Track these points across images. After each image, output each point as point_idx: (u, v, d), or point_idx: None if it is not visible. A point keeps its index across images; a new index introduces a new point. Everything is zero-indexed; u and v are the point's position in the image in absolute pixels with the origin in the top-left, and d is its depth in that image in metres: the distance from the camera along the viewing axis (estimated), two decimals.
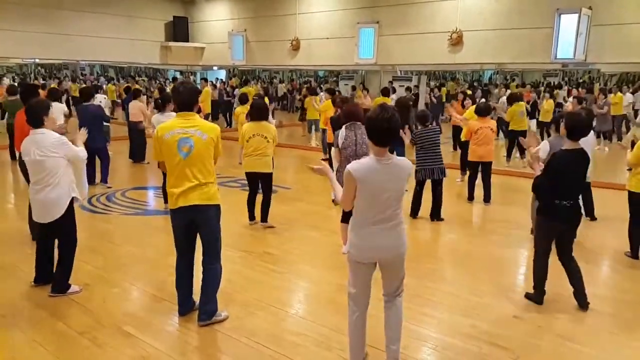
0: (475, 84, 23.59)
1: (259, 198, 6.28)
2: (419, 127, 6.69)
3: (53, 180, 4.09)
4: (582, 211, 4.62)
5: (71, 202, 4.22)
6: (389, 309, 3.18)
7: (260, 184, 6.23)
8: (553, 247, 4.29)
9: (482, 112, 7.60)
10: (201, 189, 3.60)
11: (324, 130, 10.84)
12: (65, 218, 4.17)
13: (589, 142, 4.94)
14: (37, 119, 4.10)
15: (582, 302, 4.19)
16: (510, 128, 10.38)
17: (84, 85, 11.46)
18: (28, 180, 5.23)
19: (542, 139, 12.56)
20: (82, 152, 4.31)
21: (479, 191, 7.69)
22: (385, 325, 3.19)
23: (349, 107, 5.50)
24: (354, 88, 18.32)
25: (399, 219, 3.03)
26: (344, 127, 5.20)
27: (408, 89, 15.64)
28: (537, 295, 4.31)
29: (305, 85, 20.59)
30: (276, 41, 15.57)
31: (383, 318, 3.19)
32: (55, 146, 4.08)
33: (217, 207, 3.73)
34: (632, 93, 14.68)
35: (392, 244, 3.02)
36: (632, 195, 5.36)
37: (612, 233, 6.21)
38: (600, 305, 4.28)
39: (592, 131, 5.21)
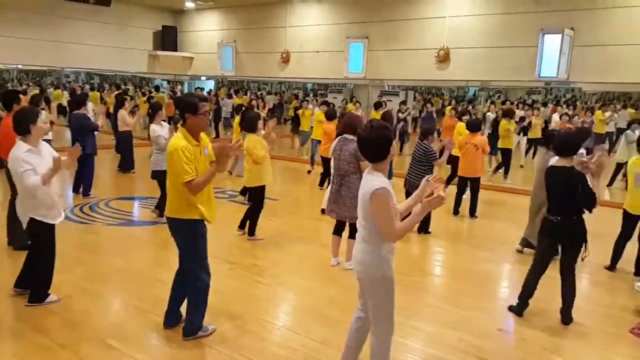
0: (462, 102, 23.87)
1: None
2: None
3: (17, 193, 4.06)
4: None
5: (35, 222, 4.00)
6: None
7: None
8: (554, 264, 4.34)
9: (472, 127, 7.68)
10: (169, 201, 3.58)
11: (318, 142, 10.26)
12: (30, 235, 4.07)
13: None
14: (23, 127, 3.95)
15: (565, 319, 4.26)
16: (500, 145, 10.30)
17: (77, 93, 11.19)
18: (11, 189, 5.18)
19: (525, 156, 12.81)
20: (31, 180, 3.79)
21: (463, 205, 7.78)
22: None
23: (347, 118, 5.34)
24: (345, 102, 18.35)
25: (362, 235, 2.85)
26: (337, 138, 5.14)
27: (403, 102, 15.62)
28: (518, 306, 4.37)
29: (295, 97, 20.56)
30: (266, 53, 15.63)
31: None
32: (12, 160, 3.91)
33: (182, 222, 3.51)
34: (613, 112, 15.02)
35: (355, 255, 2.92)
36: (626, 214, 5.49)
37: (592, 247, 6.29)
38: (583, 318, 4.34)
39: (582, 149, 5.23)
